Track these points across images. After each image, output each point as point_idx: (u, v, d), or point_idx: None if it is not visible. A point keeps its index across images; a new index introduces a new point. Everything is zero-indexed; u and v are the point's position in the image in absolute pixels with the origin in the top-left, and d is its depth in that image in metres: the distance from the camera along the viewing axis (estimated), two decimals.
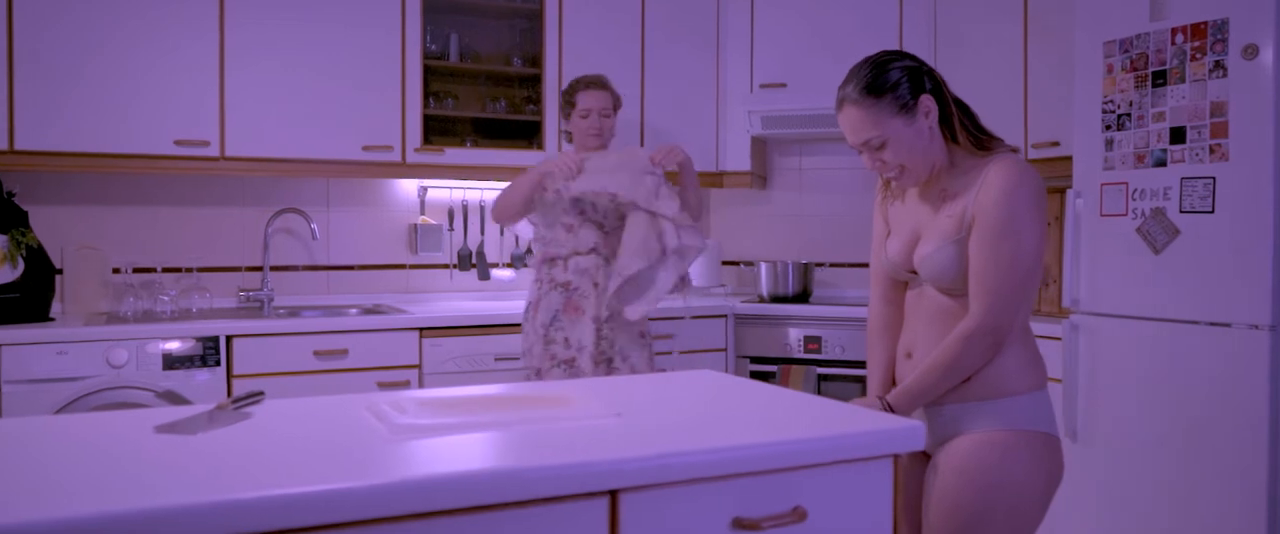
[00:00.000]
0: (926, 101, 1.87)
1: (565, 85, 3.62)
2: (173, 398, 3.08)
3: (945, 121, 1.90)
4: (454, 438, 1.44)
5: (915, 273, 1.97)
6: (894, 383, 2.05)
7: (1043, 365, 1.94)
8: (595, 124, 3.31)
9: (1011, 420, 1.85)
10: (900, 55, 1.91)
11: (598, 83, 3.35)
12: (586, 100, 3.31)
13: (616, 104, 3.39)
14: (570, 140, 3.47)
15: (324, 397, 1.81)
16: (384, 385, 3.38)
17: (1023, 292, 1.83)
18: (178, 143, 3.38)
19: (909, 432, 1.55)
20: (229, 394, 3.18)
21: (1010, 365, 1.87)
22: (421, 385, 3.47)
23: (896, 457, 1.55)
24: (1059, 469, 1.90)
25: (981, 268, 1.82)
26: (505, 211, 3.27)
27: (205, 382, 3.15)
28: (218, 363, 3.18)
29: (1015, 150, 1.93)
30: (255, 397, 1.69)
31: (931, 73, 1.92)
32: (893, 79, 1.85)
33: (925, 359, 1.90)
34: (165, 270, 3.67)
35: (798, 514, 1.44)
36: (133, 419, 1.59)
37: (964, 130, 1.90)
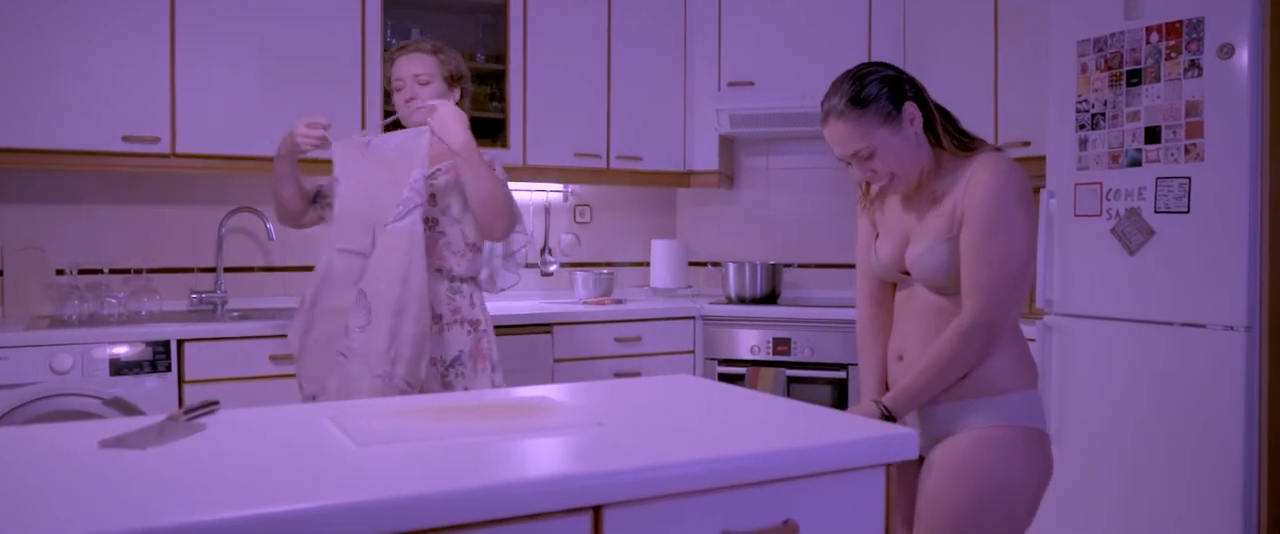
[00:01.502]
0: (910, 109, 1.89)
1: None
2: (121, 405, 2.94)
3: (928, 126, 1.93)
4: (426, 451, 1.35)
5: (907, 274, 1.97)
6: (887, 386, 2.04)
7: (1033, 363, 1.94)
8: (409, 93, 2.68)
9: (1007, 416, 1.87)
10: (878, 66, 1.94)
11: (412, 46, 2.73)
12: (398, 68, 2.71)
13: (448, 73, 2.73)
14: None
15: (283, 406, 1.71)
16: None
17: (1015, 288, 1.85)
18: (126, 139, 3.25)
19: (901, 440, 1.49)
20: (180, 401, 3.05)
21: (1003, 363, 1.88)
22: None
23: (889, 466, 1.49)
24: (1050, 467, 1.92)
25: (973, 265, 1.83)
26: (281, 213, 2.78)
27: (155, 388, 3.02)
28: (168, 368, 3.05)
29: (999, 150, 1.95)
30: (209, 406, 1.59)
31: (912, 81, 1.94)
32: (874, 91, 1.88)
33: (918, 360, 1.91)
34: (113, 272, 3.53)
35: (788, 528, 1.38)
36: (75, 432, 1.48)
37: (946, 134, 1.93)
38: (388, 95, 3.75)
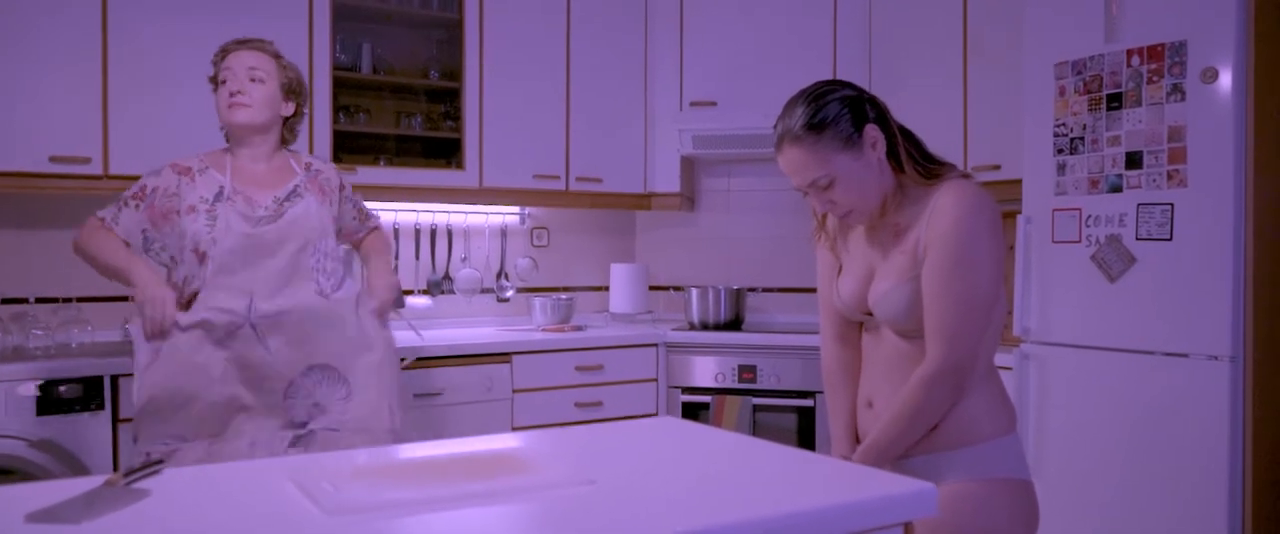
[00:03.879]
0: (872, 132, 1.73)
1: None
2: (49, 448, 2.72)
3: (891, 151, 1.76)
4: (405, 521, 1.20)
5: (871, 314, 1.82)
6: (858, 433, 1.89)
7: (1010, 406, 1.81)
8: (237, 86, 2.35)
9: (984, 469, 1.72)
10: (838, 85, 1.77)
11: (253, 42, 2.43)
12: (231, 61, 2.37)
13: (286, 81, 2.42)
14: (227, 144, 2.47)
15: (236, 464, 1.55)
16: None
17: (982, 327, 1.70)
18: (54, 159, 3.03)
19: (921, 496, 1.37)
20: (115, 442, 2.84)
21: (978, 409, 1.74)
22: None
23: (907, 525, 1.37)
24: (1036, 517, 1.78)
25: (936, 305, 1.68)
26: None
27: (88, 429, 2.80)
28: (101, 406, 2.83)
29: (967, 176, 1.78)
30: (152, 467, 1.41)
31: (874, 101, 1.77)
32: (833, 112, 1.71)
33: (886, 409, 1.75)
34: (39, 301, 3.29)
35: None
36: None
37: (911, 159, 1.76)
38: (337, 113, 3.58)
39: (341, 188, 2.55)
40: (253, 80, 2.35)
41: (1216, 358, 2.54)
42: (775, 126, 1.78)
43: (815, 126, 1.71)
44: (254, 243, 2.28)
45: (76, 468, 2.77)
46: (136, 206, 2.35)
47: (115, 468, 2.84)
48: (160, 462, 1.43)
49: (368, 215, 2.67)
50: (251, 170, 2.40)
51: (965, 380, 1.70)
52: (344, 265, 2.46)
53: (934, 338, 1.69)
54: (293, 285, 2.31)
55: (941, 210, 1.70)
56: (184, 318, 2.22)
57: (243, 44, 2.41)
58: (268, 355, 2.26)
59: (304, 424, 2.31)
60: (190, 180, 2.35)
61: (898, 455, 1.76)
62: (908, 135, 1.80)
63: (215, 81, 2.41)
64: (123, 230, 2.35)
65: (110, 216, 2.37)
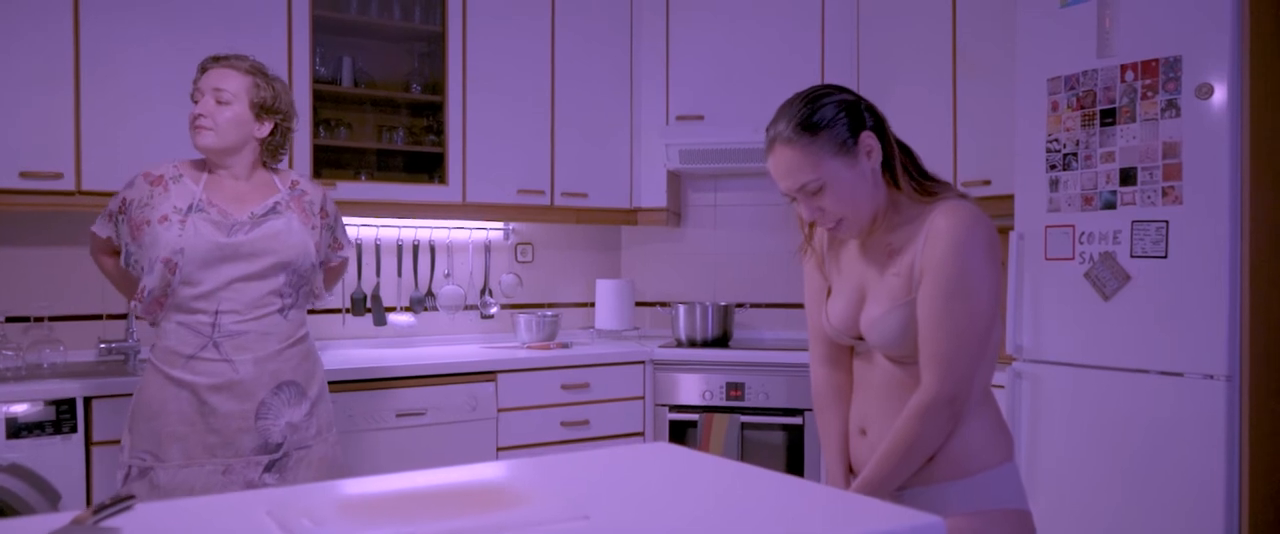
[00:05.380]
0: (868, 140, 1.67)
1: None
2: (19, 473, 2.63)
3: (887, 164, 1.70)
4: None
5: (862, 338, 1.76)
6: (850, 464, 1.83)
7: (1007, 433, 1.75)
8: (207, 106, 2.26)
9: (984, 500, 1.67)
10: (836, 89, 1.71)
11: (229, 60, 2.34)
12: (203, 80, 2.31)
13: (258, 101, 2.32)
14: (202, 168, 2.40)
15: (211, 499, 1.47)
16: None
17: (979, 355, 1.65)
18: (24, 175, 2.94)
19: (928, 530, 1.32)
20: (88, 466, 2.75)
21: (975, 437, 1.69)
22: None
23: None
24: None
25: (932, 332, 1.62)
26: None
27: (59, 452, 2.71)
28: (73, 429, 2.74)
29: (964, 196, 1.72)
30: (123, 503, 1.34)
31: (872, 108, 1.72)
32: (829, 115, 1.65)
33: (882, 437, 1.70)
34: (9, 320, 3.20)
35: None
36: None
37: (907, 174, 1.71)
38: (317, 127, 3.51)
39: (324, 214, 2.46)
40: (218, 102, 2.27)
41: (1212, 377, 2.51)
42: (768, 129, 1.71)
43: (809, 127, 1.65)
44: (227, 253, 2.21)
45: (48, 494, 2.68)
46: (122, 221, 2.32)
47: (89, 493, 2.75)
48: (131, 497, 1.35)
49: (342, 245, 2.58)
50: (229, 186, 2.33)
51: (962, 408, 1.65)
52: (306, 302, 2.41)
53: (929, 366, 1.63)
54: (262, 302, 2.25)
55: (938, 233, 1.64)
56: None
57: (219, 61, 2.35)
58: (234, 374, 2.20)
59: (278, 446, 2.25)
60: (163, 189, 2.28)
61: (893, 489, 1.70)
62: (905, 149, 1.74)
63: (194, 94, 2.34)
64: (123, 245, 2.35)
65: (111, 234, 2.36)
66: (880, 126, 1.70)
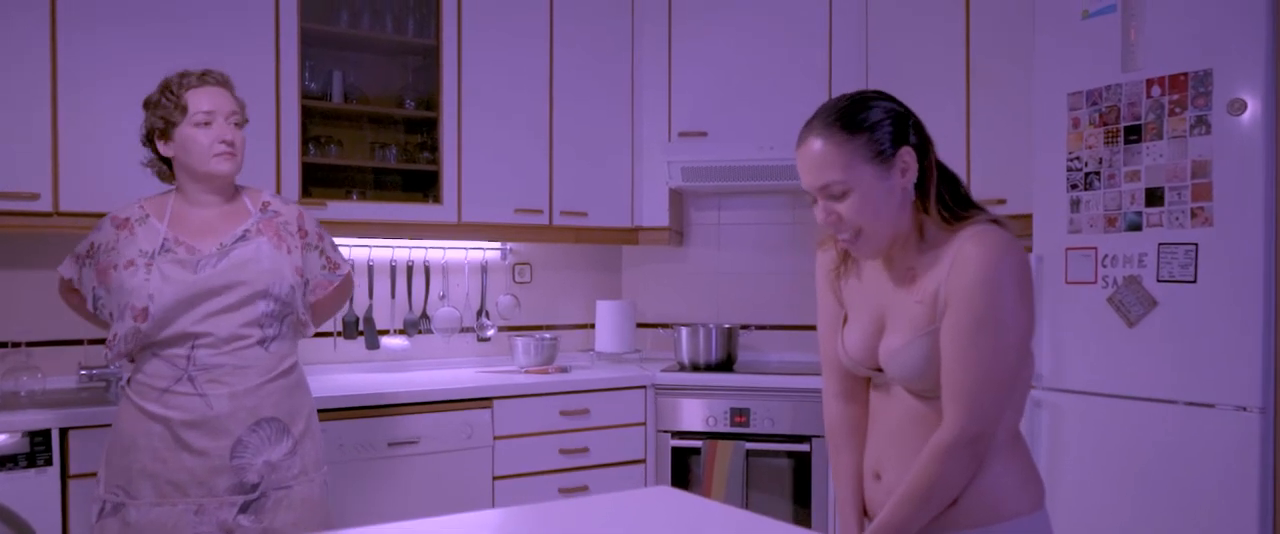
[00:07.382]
0: (906, 155, 1.55)
1: (155, 90, 2.25)
2: None
3: (921, 186, 1.58)
4: None
5: (880, 370, 1.63)
6: (867, 506, 1.71)
7: (1038, 478, 1.63)
8: (223, 132, 2.17)
9: None
10: (888, 97, 1.60)
11: (219, 78, 2.24)
12: (204, 100, 2.17)
13: (244, 116, 2.28)
14: (164, 176, 2.31)
15: None
16: None
17: (1008, 392, 1.53)
18: (0, 196, 2.83)
19: None
20: (65, 502, 2.63)
21: (1004, 481, 1.56)
22: None
23: None
24: None
25: (956, 365, 1.51)
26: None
27: (33, 486, 2.58)
28: (49, 462, 2.61)
29: (997, 221, 1.59)
30: None
31: (919, 127, 1.59)
32: (874, 118, 1.54)
33: (898, 482, 1.58)
34: None
35: None
36: None
37: (940, 201, 1.58)
38: (306, 145, 3.39)
39: (303, 233, 2.32)
40: (235, 124, 2.20)
41: (1245, 409, 2.38)
42: (805, 126, 1.59)
43: (850, 125, 1.54)
44: (197, 291, 2.10)
45: (22, 530, 2.55)
46: (88, 264, 2.22)
47: (65, 529, 2.62)
48: None
49: (337, 263, 2.41)
50: (198, 216, 2.21)
51: (986, 450, 1.53)
52: (294, 333, 2.27)
53: (953, 402, 1.51)
54: (239, 334, 2.12)
55: (965, 259, 1.51)
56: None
57: (207, 79, 2.22)
58: (208, 410, 2.07)
59: (255, 486, 2.12)
60: (129, 233, 2.17)
61: None
62: (946, 178, 1.61)
63: (178, 109, 2.17)
64: (87, 289, 2.22)
65: (73, 276, 2.25)
66: (923, 146, 1.59)
